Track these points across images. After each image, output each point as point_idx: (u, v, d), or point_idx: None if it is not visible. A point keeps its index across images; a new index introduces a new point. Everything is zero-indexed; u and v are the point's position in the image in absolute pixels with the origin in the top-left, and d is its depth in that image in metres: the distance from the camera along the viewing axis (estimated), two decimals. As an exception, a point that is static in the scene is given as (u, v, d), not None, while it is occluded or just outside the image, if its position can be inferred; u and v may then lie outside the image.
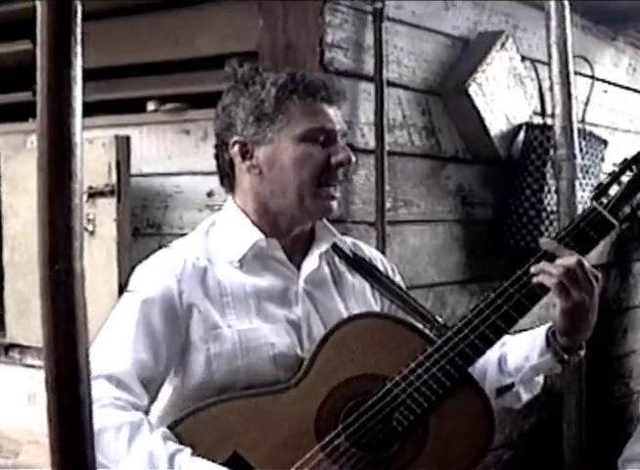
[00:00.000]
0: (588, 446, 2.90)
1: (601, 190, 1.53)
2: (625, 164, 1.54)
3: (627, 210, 1.52)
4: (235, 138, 1.58)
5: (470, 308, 1.55)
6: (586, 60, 3.20)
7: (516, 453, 3.02)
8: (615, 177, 1.53)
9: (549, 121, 2.84)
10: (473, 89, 2.68)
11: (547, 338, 1.58)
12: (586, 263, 1.49)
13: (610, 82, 3.81)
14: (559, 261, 1.48)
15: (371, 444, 1.49)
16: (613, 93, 3.82)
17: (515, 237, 2.79)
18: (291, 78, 1.57)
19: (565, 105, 2.54)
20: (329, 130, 1.57)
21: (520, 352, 1.63)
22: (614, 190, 1.53)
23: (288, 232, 1.60)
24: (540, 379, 1.68)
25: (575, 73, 3.26)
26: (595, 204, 1.51)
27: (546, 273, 1.49)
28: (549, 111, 2.76)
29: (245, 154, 1.58)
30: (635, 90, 4.04)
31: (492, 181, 2.88)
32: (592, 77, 3.21)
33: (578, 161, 2.62)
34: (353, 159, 1.60)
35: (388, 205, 2.45)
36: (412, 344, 1.54)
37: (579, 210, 2.68)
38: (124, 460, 1.41)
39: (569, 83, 2.57)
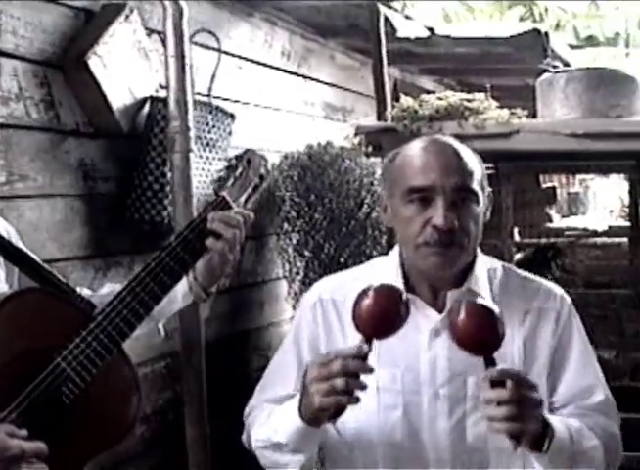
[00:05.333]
0: (219, 419, 3.30)
1: (222, 182, 1.95)
2: (238, 161, 1.97)
3: (243, 198, 1.95)
4: None
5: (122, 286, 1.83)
6: (213, 34, 3.56)
7: (150, 428, 3.34)
8: (231, 171, 1.95)
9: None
10: (93, 62, 2.91)
11: (188, 282, 1.95)
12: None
13: (245, 58, 4.23)
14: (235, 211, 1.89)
15: (43, 419, 1.67)
16: (248, 68, 4.26)
17: (139, 211, 3.07)
18: None
19: (179, 78, 2.85)
20: None
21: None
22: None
23: None
24: None
25: (207, 48, 3.65)
26: (224, 194, 1.91)
27: (222, 222, 1.85)
28: (172, 84, 3.04)
29: None
30: (271, 66, 4.51)
31: (116, 155, 3.13)
32: (219, 51, 3.56)
33: (192, 133, 2.94)
34: None
35: (2, 179, 2.62)
36: (74, 318, 1.77)
37: (196, 182, 3.04)
38: None
39: (183, 56, 2.87)
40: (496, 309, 1.70)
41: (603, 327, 4.77)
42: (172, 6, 2.85)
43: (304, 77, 4.86)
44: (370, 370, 1.67)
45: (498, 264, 2.07)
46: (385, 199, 2.00)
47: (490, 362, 1.67)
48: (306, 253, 4.06)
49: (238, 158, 2.01)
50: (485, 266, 2.02)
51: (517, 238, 5.40)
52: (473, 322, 1.67)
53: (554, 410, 1.94)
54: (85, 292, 2.03)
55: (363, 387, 1.67)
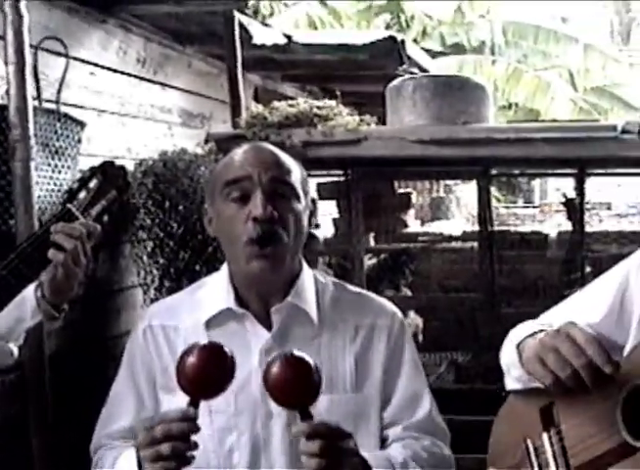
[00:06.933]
0: (72, 427, 3.34)
1: (72, 194, 1.94)
2: (93, 172, 1.97)
3: (95, 210, 1.94)
4: None
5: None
6: (60, 41, 3.61)
7: (-1, 439, 3.37)
8: (83, 183, 1.95)
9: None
10: None
11: (37, 299, 1.93)
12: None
13: (98, 65, 4.28)
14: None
15: None
16: (101, 75, 4.31)
17: (-17, 221, 3.10)
18: None
19: (19, 85, 2.89)
20: None
21: (10, 316, 1.93)
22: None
23: None
24: None
25: (59, 55, 3.70)
26: (69, 205, 1.91)
27: (64, 233, 1.85)
28: (12, 92, 3.07)
29: None
30: (125, 73, 4.57)
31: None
32: (67, 57, 3.62)
33: (33, 141, 2.99)
34: None
35: None
36: None
37: (44, 191, 3.09)
38: None
39: (23, 63, 2.92)
40: (311, 362, 1.67)
41: (458, 331, 4.98)
42: (12, 12, 2.89)
43: (161, 84, 4.93)
44: (196, 430, 1.64)
45: (329, 280, 2.12)
46: (209, 210, 2.04)
47: (306, 415, 1.65)
48: (161, 260, 4.12)
49: (93, 169, 2.02)
50: (314, 281, 2.06)
51: (372, 244, 5.60)
52: (285, 377, 1.65)
53: (385, 428, 2.01)
54: None
55: (193, 447, 1.65)
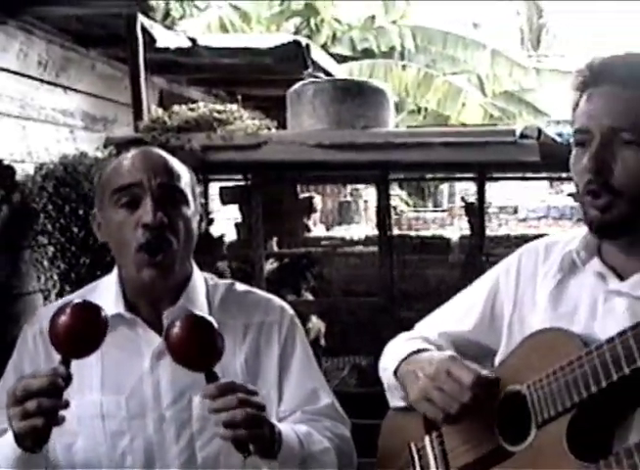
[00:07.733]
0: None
1: None
2: None
3: None
4: None
5: None
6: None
7: None
8: None
9: None
10: None
11: None
12: None
13: (-2, 67, 4.28)
14: None
15: None
16: (1, 78, 4.28)
17: None
18: None
19: None
20: None
21: None
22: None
23: None
24: None
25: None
26: None
27: None
28: None
29: None
30: (26, 75, 4.56)
31: None
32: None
33: None
34: None
35: None
36: None
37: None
38: None
39: None
40: (213, 322, 1.70)
41: (360, 335, 5.03)
42: None
43: (63, 87, 4.92)
44: (62, 387, 1.63)
45: (220, 281, 2.12)
46: (97, 214, 2.02)
47: (212, 377, 1.68)
48: (62, 265, 4.12)
49: None
50: (205, 283, 2.07)
51: (275, 248, 5.65)
52: (188, 336, 1.67)
53: (282, 420, 2.00)
54: None
55: (63, 405, 1.64)
